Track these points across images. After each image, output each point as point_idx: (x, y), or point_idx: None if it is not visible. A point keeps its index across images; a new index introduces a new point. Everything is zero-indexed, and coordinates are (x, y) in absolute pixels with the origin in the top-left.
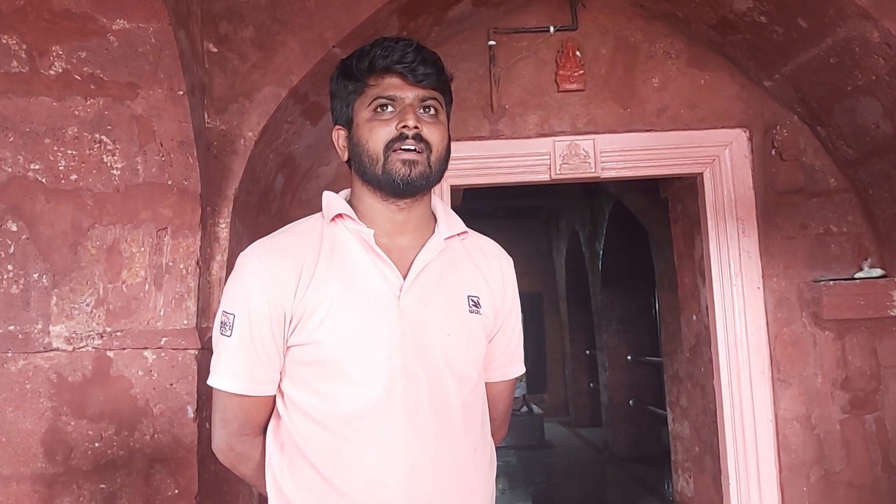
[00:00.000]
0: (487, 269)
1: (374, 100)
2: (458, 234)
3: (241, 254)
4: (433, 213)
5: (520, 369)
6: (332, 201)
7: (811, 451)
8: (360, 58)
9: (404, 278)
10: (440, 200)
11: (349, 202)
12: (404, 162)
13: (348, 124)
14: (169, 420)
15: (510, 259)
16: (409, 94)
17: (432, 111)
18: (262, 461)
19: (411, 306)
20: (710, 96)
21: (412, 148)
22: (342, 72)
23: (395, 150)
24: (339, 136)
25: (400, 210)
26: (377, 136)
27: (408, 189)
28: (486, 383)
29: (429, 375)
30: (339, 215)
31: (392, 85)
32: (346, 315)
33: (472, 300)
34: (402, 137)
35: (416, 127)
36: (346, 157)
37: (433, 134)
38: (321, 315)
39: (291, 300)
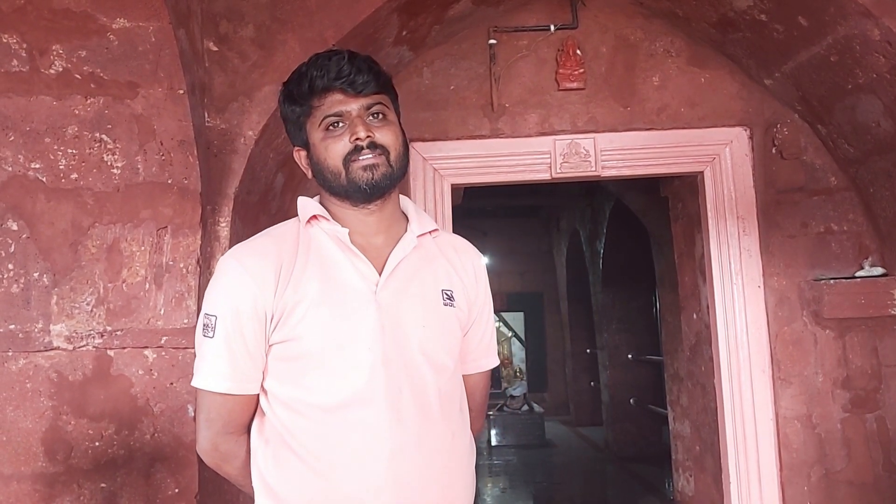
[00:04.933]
0: (460, 264)
1: (323, 119)
2: (430, 232)
3: (221, 257)
4: (404, 214)
5: (494, 361)
6: (307, 204)
7: (812, 450)
8: (300, 81)
9: (380, 274)
10: (411, 201)
11: (323, 206)
12: (365, 168)
13: (305, 145)
14: (169, 419)
15: (481, 255)
16: (354, 107)
17: (381, 116)
18: (247, 460)
19: (388, 300)
20: (710, 95)
21: (370, 156)
22: (286, 97)
23: (353, 161)
24: (300, 156)
25: (371, 213)
26: (333, 152)
27: (374, 191)
28: (463, 375)
29: (406, 365)
30: (315, 217)
31: (336, 101)
32: (325, 310)
33: (446, 294)
34: (357, 149)
35: (368, 136)
36: (311, 175)
37: (386, 137)
38: (301, 312)
39: (272, 299)
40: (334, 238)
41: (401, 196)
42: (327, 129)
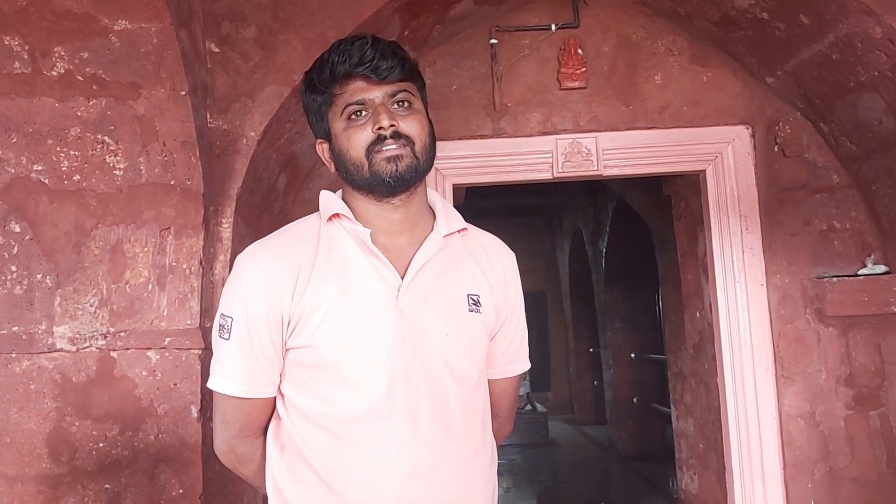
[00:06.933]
0: (488, 265)
1: (345, 108)
2: (458, 231)
3: (239, 256)
4: (431, 210)
5: (524, 365)
6: (329, 201)
7: (815, 448)
8: (321, 69)
9: (402, 278)
10: (439, 196)
11: (345, 201)
12: (389, 159)
13: (328, 136)
14: (173, 420)
15: (512, 254)
16: (378, 94)
17: (406, 104)
18: (263, 462)
19: (409, 307)
20: (712, 93)
21: (394, 146)
22: (308, 86)
23: (377, 152)
24: (322, 149)
25: (395, 208)
26: (356, 142)
27: (399, 184)
28: (489, 380)
29: (427, 376)
30: (336, 215)
31: (358, 89)
32: (343, 317)
33: (472, 299)
34: (380, 139)
35: (392, 125)
36: (333, 169)
37: (411, 126)
38: (319, 318)
39: (289, 303)
40: (356, 238)
41: (429, 190)
42: (349, 118)
